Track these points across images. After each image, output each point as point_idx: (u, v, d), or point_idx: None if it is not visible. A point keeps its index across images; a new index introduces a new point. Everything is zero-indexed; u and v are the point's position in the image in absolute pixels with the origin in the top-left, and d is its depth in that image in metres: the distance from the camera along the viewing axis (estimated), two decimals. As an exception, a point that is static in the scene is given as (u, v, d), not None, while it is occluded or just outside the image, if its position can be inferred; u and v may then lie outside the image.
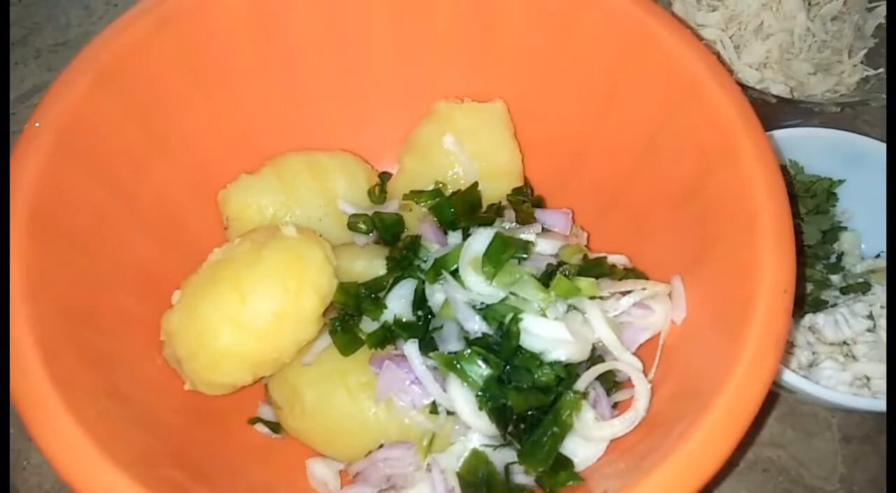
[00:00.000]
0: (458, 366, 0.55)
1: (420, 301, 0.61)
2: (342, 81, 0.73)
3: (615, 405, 0.59)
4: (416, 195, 0.68)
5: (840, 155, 0.72)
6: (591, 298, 0.58)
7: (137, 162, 0.63)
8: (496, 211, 0.66)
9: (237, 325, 0.56)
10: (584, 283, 0.58)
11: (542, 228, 0.64)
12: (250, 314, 0.56)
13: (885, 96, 0.76)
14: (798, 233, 0.69)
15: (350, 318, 0.61)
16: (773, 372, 0.46)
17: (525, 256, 0.59)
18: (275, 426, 0.64)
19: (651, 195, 0.65)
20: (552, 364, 0.56)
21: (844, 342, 0.66)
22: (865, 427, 0.72)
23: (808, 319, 0.68)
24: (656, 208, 0.64)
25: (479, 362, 0.55)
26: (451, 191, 0.68)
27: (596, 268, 0.61)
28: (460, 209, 0.65)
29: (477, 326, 0.57)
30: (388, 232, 0.67)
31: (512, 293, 0.57)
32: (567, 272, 0.59)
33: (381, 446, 0.59)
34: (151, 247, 0.64)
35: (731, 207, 0.54)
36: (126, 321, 0.59)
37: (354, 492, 0.59)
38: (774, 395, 0.72)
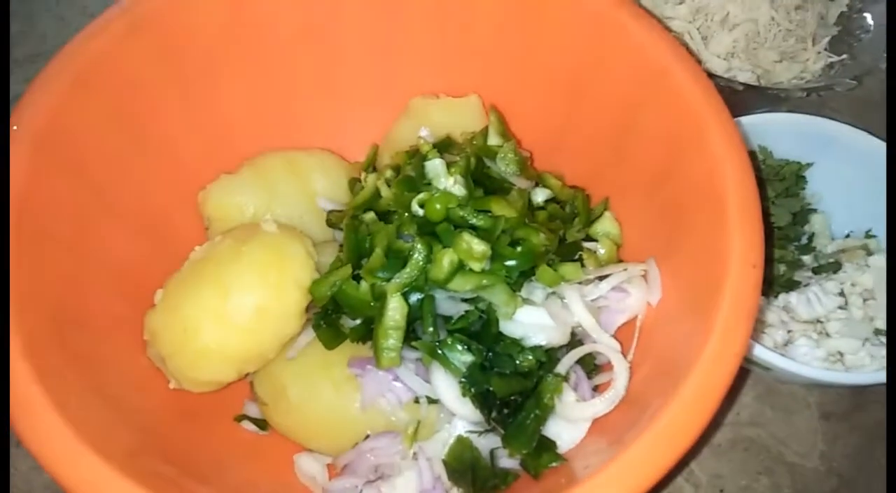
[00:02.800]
0: (441, 353, 0.56)
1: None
2: (319, 81, 0.74)
3: (596, 388, 0.60)
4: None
5: (807, 139, 0.74)
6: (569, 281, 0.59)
7: (118, 164, 0.63)
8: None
9: (220, 321, 0.56)
10: (569, 268, 0.59)
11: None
12: (232, 310, 0.57)
13: (849, 81, 0.78)
14: (768, 215, 0.71)
15: (332, 312, 0.62)
16: (745, 345, 0.47)
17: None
18: (261, 424, 0.64)
19: (625, 183, 0.67)
20: (533, 349, 0.57)
21: (818, 320, 0.68)
22: (843, 405, 0.74)
23: (781, 299, 0.69)
24: (631, 195, 0.66)
25: (462, 349, 0.56)
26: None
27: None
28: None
29: (457, 310, 0.57)
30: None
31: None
32: (551, 261, 0.60)
33: (367, 436, 0.60)
34: (134, 248, 0.64)
35: (702, 190, 0.56)
36: (110, 321, 0.59)
37: (342, 484, 0.60)
38: (751, 373, 0.73)
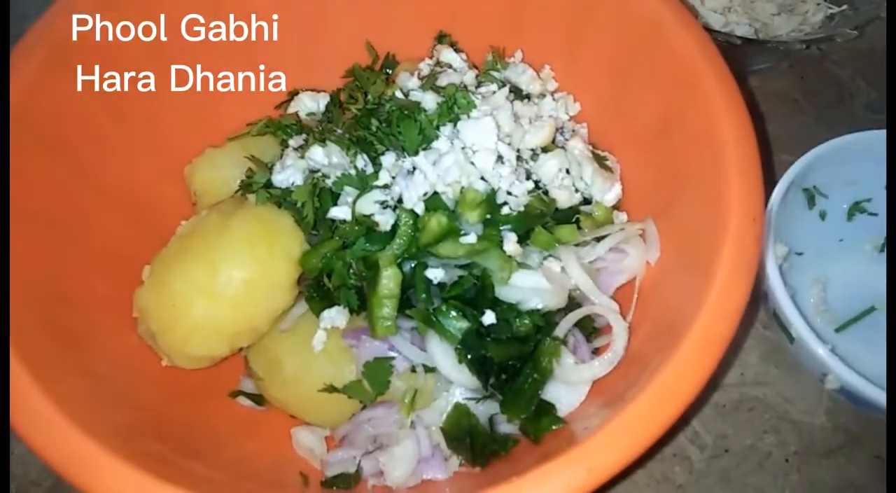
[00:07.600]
0: (436, 321, 0.55)
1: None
2: (301, 54, 0.72)
3: (596, 351, 0.59)
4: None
5: None
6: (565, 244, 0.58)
7: (100, 142, 0.62)
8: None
9: (209, 295, 0.55)
10: (565, 230, 0.58)
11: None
12: (222, 284, 0.55)
13: (849, 31, 0.76)
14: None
15: (323, 283, 0.61)
16: (746, 298, 0.46)
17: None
18: (258, 399, 0.64)
19: (623, 139, 0.65)
20: (530, 313, 0.56)
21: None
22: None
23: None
24: (627, 151, 0.64)
25: (457, 316, 0.54)
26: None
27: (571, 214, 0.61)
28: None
29: (451, 276, 0.56)
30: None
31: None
32: (547, 224, 0.58)
33: (363, 407, 0.59)
34: (120, 226, 0.63)
35: (699, 144, 0.54)
36: (98, 301, 0.58)
37: (340, 455, 0.59)
38: (756, 333, 0.72)
